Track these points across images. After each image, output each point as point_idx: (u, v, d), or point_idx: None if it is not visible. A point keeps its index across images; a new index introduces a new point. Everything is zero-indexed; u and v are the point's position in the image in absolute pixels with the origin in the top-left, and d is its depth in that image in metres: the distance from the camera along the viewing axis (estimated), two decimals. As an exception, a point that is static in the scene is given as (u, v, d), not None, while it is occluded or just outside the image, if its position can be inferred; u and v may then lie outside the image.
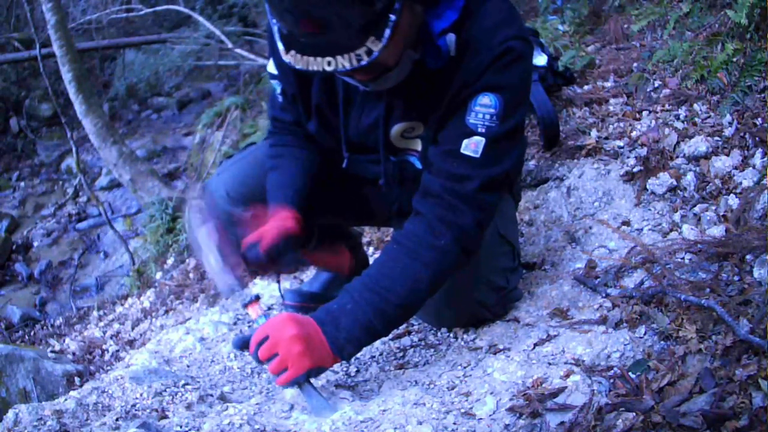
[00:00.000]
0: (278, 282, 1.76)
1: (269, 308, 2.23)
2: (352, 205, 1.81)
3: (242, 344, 1.40)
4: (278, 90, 1.62)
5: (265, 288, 2.51)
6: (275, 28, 1.21)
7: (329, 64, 1.17)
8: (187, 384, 1.57)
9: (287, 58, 1.20)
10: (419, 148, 1.53)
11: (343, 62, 1.17)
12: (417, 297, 1.41)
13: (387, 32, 1.16)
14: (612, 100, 2.41)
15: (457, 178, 1.39)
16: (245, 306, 1.45)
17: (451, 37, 1.33)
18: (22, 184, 7.14)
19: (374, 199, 1.75)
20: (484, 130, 1.36)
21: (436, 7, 1.32)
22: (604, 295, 1.64)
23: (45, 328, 4.32)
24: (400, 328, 1.83)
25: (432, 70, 1.37)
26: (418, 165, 1.56)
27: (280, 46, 1.20)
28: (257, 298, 1.45)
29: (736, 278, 1.49)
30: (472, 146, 1.37)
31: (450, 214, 1.39)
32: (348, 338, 1.35)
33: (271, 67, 1.60)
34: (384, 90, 1.43)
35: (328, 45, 1.16)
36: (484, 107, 1.36)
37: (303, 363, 1.31)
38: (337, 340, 1.34)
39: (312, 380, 1.36)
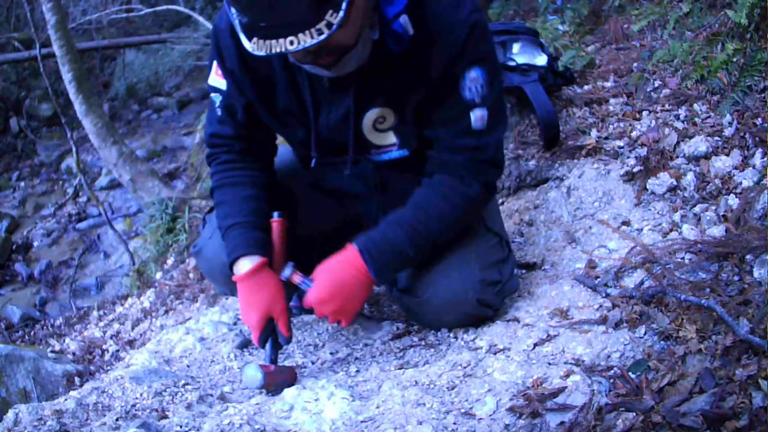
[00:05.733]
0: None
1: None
2: (339, 224, 1.83)
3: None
4: (217, 103, 1.62)
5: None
6: (236, 22, 1.23)
7: (291, 43, 1.19)
8: (187, 384, 1.57)
9: (250, 46, 1.23)
10: (394, 140, 1.59)
11: (305, 38, 1.18)
12: (448, 232, 1.61)
13: (344, 5, 1.19)
14: (612, 100, 2.41)
15: (478, 148, 1.54)
16: (287, 279, 1.57)
17: (404, 19, 1.38)
18: (22, 184, 7.13)
19: (359, 210, 1.79)
20: (480, 100, 1.48)
21: None
22: (604, 295, 1.64)
23: (45, 328, 4.31)
24: (401, 328, 1.85)
25: (396, 53, 1.41)
26: (399, 153, 1.63)
27: (243, 37, 1.23)
28: (293, 267, 1.58)
29: (736, 278, 1.49)
30: (479, 120, 1.50)
31: (474, 173, 1.57)
32: (390, 268, 1.57)
33: (213, 80, 1.60)
34: (351, 81, 1.46)
35: (289, 24, 1.18)
36: (473, 81, 1.47)
37: (350, 314, 1.56)
38: (380, 269, 1.54)
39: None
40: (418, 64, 1.44)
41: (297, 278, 1.57)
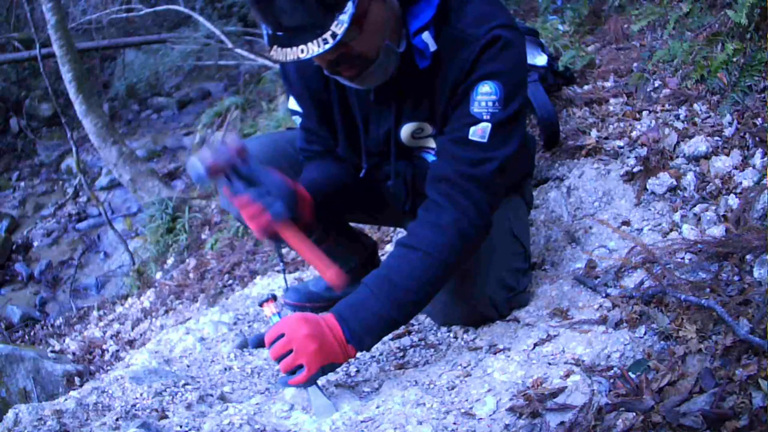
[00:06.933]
0: (283, 273, 1.73)
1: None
2: (364, 199, 1.85)
3: (259, 342, 1.43)
4: (298, 123, 1.72)
5: (265, 288, 2.51)
6: (265, 33, 1.31)
7: (302, 51, 1.26)
8: (187, 384, 1.57)
9: (272, 54, 1.31)
10: (433, 145, 1.59)
11: (313, 47, 1.25)
12: (432, 287, 1.46)
13: (348, 16, 1.24)
14: (612, 100, 2.41)
15: (471, 162, 1.44)
16: (261, 304, 1.48)
17: (426, 34, 1.40)
18: (22, 184, 7.14)
19: (387, 195, 1.79)
20: (489, 117, 1.42)
21: (414, 6, 1.40)
22: (604, 295, 1.64)
23: (45, 328, 4.32)
24: (400, 327, 1.83)
25: (423, 69, 1.43)
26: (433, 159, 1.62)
27: (267, 46, 1.31)
28: (273, 297, 1.48)
29: (736, 278, 1.49)
30: (479, 132, 1.43)
31: (462, 197, 1.44)
32: (368, 330, 1.40)
33: (292, 104, 1.69)
34: (391, 95, 1.50)
35: (299, 33, 1.26)
36: (485, 95, 1.42)
37: (316, 360, 1.34)
38: (356, 332, 1.38)
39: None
40: (437, 77, 1.46)
41: (269, 309, 1.45)
